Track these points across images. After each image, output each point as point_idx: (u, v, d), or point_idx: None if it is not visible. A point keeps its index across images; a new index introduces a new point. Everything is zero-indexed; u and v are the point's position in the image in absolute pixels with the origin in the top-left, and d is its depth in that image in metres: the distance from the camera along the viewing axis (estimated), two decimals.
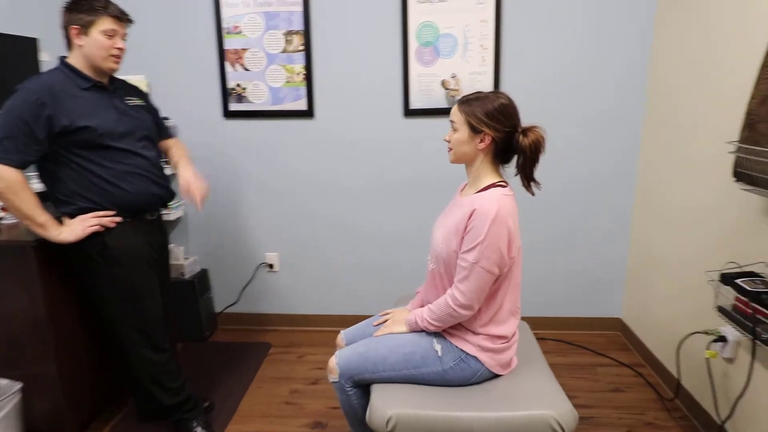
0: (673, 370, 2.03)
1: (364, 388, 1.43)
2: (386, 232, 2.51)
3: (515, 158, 1.35)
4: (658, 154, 2.16)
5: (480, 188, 1.33)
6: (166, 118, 2.35)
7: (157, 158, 1.69)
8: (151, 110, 1.74)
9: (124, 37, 1.55)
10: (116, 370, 1.91)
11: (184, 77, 2.38)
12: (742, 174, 1.42)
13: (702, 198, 1.82)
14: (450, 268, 1.33)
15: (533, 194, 1.34)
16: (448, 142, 1.37)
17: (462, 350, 1.34)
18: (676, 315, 2.01)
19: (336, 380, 1.42)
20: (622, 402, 2.01)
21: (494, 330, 1.33)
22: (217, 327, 2.68)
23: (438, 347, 1.35)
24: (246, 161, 2.47)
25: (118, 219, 1.56)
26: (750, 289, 1.36)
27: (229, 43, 2.30)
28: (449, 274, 1.34)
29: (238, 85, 2.35)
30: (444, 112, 2.31)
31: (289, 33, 2.28)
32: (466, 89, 2.26)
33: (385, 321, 1.53)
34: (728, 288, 1.47)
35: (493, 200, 1.25)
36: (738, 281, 1.42)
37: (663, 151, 2.12)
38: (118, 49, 1.53)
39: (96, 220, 1.52)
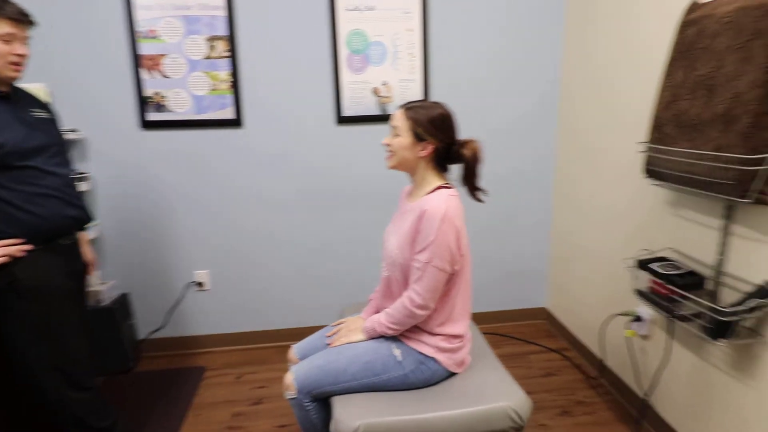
0: (596, 351, 2.23)
1: (323, 401, 1.40)
2: (322, 242, 2.48)
3: (453, 167, 1.42)
4: (573, 154, 2.36)
5: (427, 191, 1.37)
6: (73, 130, 2.14)
7: (70, 176, 1.52)
8: (57, 125, 1.56)
9: (25, 41, 1.38)
10: (32, 418, 1.68)
11: (92, 85, 2.17)
12: (651, 171, 1.60)
13: (615, 193, 2.02)
14: (407, 274, 1.35)
15: (481, 201, 1.41)
16: (388, 146, 1.38)
17: (421, 353, 1.36)
18: (597, 301, 2.21)
19: (294, 396, 1.37)
20: (555, 385, 2.16)
21: (450, 329, 1.37)
22: (141, 355, 2.47)
23: (397, 352, 1.36)
24: (168, 174, 2.31)
25: (29, 247, 1.38)
26: (664, 272, 1.53)
27: (145, 48, 2.14)
28: (406, 279, 1.36)
29: (157, 93, 2.19)
30: (376, 119, 2.33)
31: (213, 38, 2.17)
32: (397, 97, 2.31)
33: (339, 331, 1.51)
34: (643, 272, 1.65)
35: (441, 201, 1.30)
36: (652, 266, 1.59)
37: (577, 152, 2.32)
38: (19, 55, 1.36)
39: (2, 251, 1.33)
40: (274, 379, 2.24)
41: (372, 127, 2.35)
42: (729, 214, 1.43)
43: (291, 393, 1.37)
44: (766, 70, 1.20)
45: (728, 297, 1.44)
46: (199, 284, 2.44)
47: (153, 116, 2.21)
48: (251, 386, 2.20)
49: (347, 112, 2.30)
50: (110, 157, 2.24)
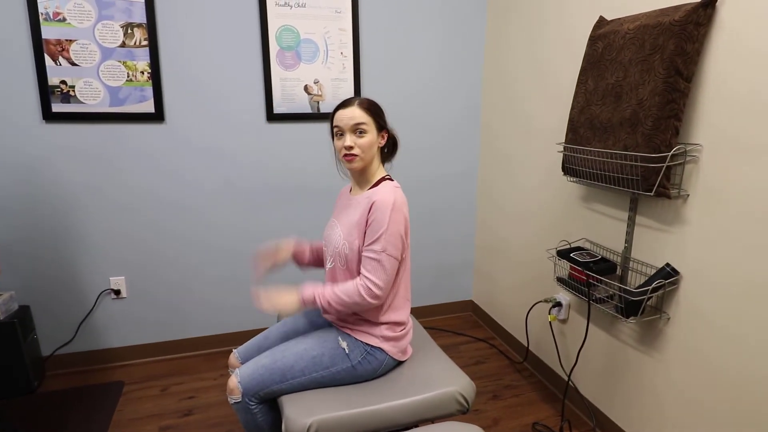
0: (519, 337, 2.39)
1: (268, 403, 1.37)
2: (250, 243, 2.40)
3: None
4: (496, 154, 2.52)
5: (372, 183, 1.40)
6: None
7: None
8: None
9: None
10: None
11: None
12: (568, 168, 1.76)
13: (535, 190, 2.19)
14: (352, 264, 1.36)
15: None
16: (351, 148, 1.34)
17: (367, 344, 1.38)
18: (520, 292, 2.37)
19: (238, 400, 1.32)
20: (485, 372, 2.29)
21: (394, 317, 1.40)
22: (46, 374, 2.21)
23: (344, 344, 1.36)
24: (78, 172, 2.10)
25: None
26: (582, 260, 1.70)
27: (49, 32, 1.93)
28: (350, 269, 1.36)
29: (64, 83, 1.98)
30: (308, 117, 2.31)
31: (129, 25, 2.01)
32: (329, 95, 2.31)
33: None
34: (564, 261, 1.81)
35: (389, 191, 1.33)
36: (572, 255, 1.75)
37: (500, 152, 2.48)
38: None
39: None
40: (204, 389, 2.13)
41: (304, 125, 2.33)
42: (634, 207, 1.62)
43: (235, 397, 1.32)
44: (663, 79, 1.38)
45: (635, 280, 1.63)
46: (116, 292, 2.24)
47: (59, 107, 2.00)
48: (179, 398, 2.07)
49: (279, 109, 2.26)
50: (5, 151, 1.99)
